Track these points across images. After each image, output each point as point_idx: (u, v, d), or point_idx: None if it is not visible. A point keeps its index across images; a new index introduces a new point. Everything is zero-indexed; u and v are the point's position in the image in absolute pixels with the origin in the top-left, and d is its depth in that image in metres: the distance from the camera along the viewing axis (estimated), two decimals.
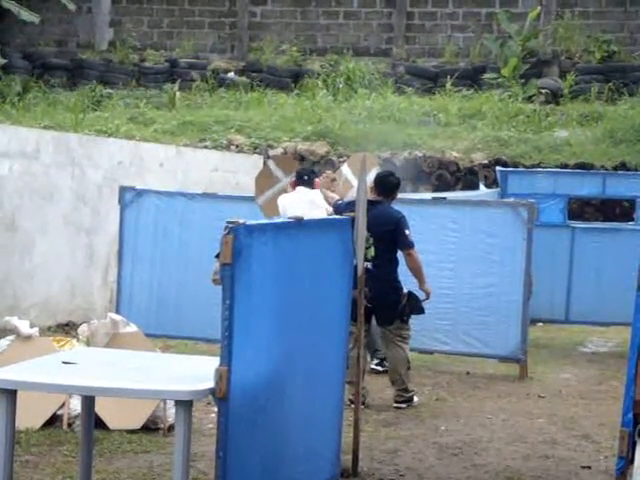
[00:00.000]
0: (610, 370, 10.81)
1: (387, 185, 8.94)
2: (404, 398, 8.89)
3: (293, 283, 5.67)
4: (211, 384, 4.99)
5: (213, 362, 5.68)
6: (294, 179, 10.16)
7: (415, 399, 8.98)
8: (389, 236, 8.62)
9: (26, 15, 18.72)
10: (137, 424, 7.64)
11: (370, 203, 7.68)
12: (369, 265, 7.97)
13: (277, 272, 5.47)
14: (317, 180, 10.21)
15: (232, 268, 5.02)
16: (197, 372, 5.37)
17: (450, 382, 10.01)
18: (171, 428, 7.75)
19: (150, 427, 7.71)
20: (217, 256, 5.10)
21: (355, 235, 6.50)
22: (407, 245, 8.72)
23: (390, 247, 8.67)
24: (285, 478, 5.77)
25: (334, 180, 10.38)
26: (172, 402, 7.60)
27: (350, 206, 7.96)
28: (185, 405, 5.01)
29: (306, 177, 10.08)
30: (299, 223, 5.78)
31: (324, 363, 6.18)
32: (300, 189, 9.97)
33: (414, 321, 10.52)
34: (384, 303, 8.68)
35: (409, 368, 8.95)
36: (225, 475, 5.07)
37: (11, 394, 4.98)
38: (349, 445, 6.85)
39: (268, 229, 5.43)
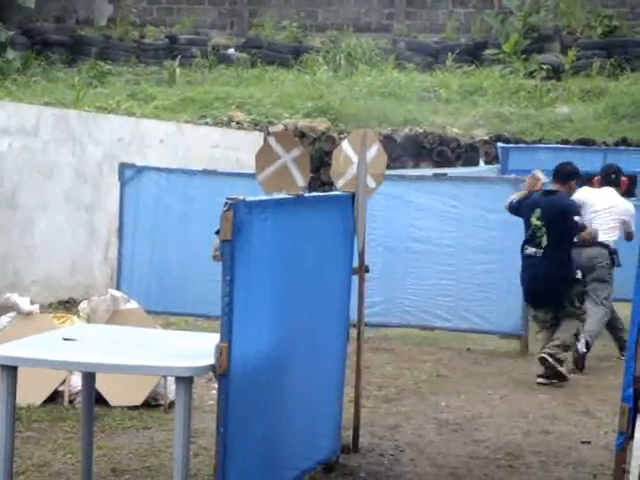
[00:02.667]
0: (611, 346, 10.79)
1: (563, 173, 9.40)
2: (554, 364, 8.94)
3: (293, 259, 5.66)
4: (211, 360, 5.00)
5: (214, 338, 5.69)
6: (599, 177, 10.33)
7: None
8: (560, 223, 9.04)
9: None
10: (138, 400, 7.66)
11: (545, 194, 9.02)
12: (537, 252, 8.96)
13: (277, 248, 5.47)
14: (623, 179, 10.35)
15: (232, 244, 5.01)
16: (198, 349, 5.37)
17: (451, 358, 10.02)
18: (172, 404, 7.75)
19: (151, 403, 7.73)
20: (217, 232, 5.08)
21: (356, 212, 6.48)
22: (577, 231, 9.22)
23: (562, 234, 9.07)
24: (286, 454, 5.79)
25: (539, 180, 9.90)
26: (173, 379, 7.64)
27: (521, 200, 9.27)
28: (185, 381, 5.02)
29: (613, 176, 10.27)
30: (299, 199, 5.77)
31: (325, 339, 6.18)
32: (606, 190, 10.18)
33: (415, 298, 10.60)
34: (552, 287, 9.02)
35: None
36: (225, 451, 5.07)
37: (12, 370, 4.99)
38: (349, 421, 6.85)
39: (268, 205, 5.42)
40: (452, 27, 22.30)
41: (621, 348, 9.98)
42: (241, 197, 5.15)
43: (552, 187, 9.31)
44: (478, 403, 8.36)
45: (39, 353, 5.06)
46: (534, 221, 9.08)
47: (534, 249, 9.09)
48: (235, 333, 5.02)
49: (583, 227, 9.28)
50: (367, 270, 6.94)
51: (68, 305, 12.05)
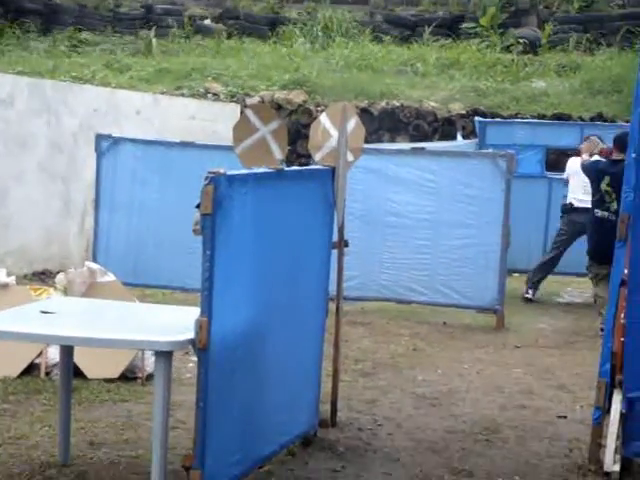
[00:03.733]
0: (585, 321, 10.87)
1: (627, 142, 9.51)
2: None
3: (274, 234, 5.64)
4: (191, 335, 4.99)
5: (193, 312, 5.67)
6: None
7: None
8: None
9: None
10: (115, 373, 7.63)
11: (613, 162, 9.72)
12: (610, 215, 9.57)
13: (257, 223, 5.45)
14: (581, 146, 11.48)
15: (213, 218, 4.99)
16: (177, 322, 5.37)
17: (428, 332, 10.03)
18: (149, 377, 7.75)
19: (128, 376, 7.71)
20: (198, 206, 5.05)
21: (336, 186, 6.46)
22: None
23: None
24: (264, 428, 5.79)
25: (597, 145, 11.23)
26: (150, 352, 7.63)
27: (591, 165, 10.37)
28: (165, 356, 5.01)
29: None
30: (280, 173, 5.75)
31: (304, 313, 6.17)
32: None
33: (392, 272, 10.60)
34: None
35: None
36: (205, 425, 5.07)
37: None
38: (327, 395, 6.85)
39: (249, 179, 5.39)
40: (429, 0, 22.24)
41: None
42: (222, 171, 5.11)
43: (615, 156, 9.86)
44: (455, 377, 8.38)
45: (17, 326, 5.03)
46: (604, 187, 9.78)
47: (606, 212, 9.79)
48: (215, 308, 5.01)
49: None
50: (346, 244, 6.93)
51: (43, 277, 11.97)
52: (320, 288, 6.39)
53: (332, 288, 6.64)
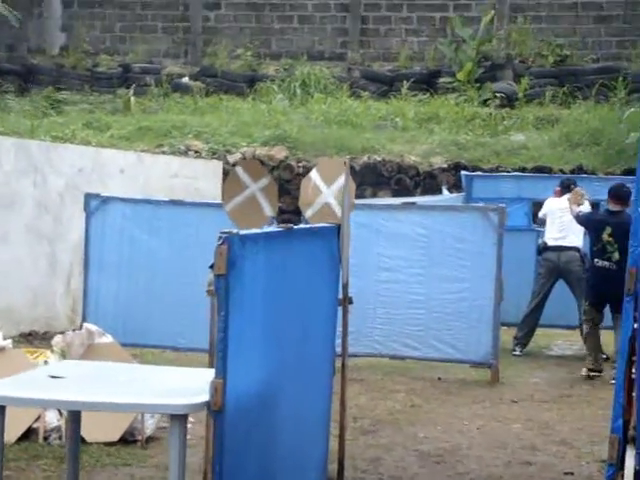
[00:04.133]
0: (579, 373, 10.85)
1: (622, 194, 10.42)
2: None
3: (283, 292, 5.59)
4: (206, 397, 4.90)
5: (203, 374, 5.61)
6: (559, 188, 12.03)
7: None
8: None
9: None
10: (115, 436, 7.51)
11: (612, 213, 10.35)
12: (610, 265, 10.20)
13: (268, 282, 5.40)
14: (558, 189, 12.09)
15: (226, 279, 4.93)
16: (189, 384, 5.28)
17: (423, 388, 9.97)
18: (149, 440, 7.65)
19: (127, 439, 7.59)
20: (211, 267, 4.99)
21: (341, 242, 6.43)
22: None
23: None
24: None
25: (583, 196, 11.53)
26: (149, 414, 7.52)
27: (589, 216, 10.95)
28: (181, 419, 4.91)
29: (573, 186, 11.79)
30: (288, 232, 5.71)
31: (313, 371, 6.11)
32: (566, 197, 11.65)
33: (385, 327, 10.56)
34: (622, 294, 9.73)
35: None
36: None
37: (0, 410, 4.86)
38: (333, 454, 6.77)
39: (260, 238, 5.35)
40: (406, 56, 22.43)
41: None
42: (234, 231, 5.07)
43: (613, 207, 10.47)
44: (455, 434, 8.32)
45: (29, 392, 4.92)
46: (606, 237, 10.32)
47: (606, 262, 10.32)
48: (229, 369, 4.94)
49: None
50: (351, 302, 6.88)
51: (30, 338, 11.83)
52: (327, 346, 6.34)
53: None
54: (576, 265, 11.57)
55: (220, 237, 4.99)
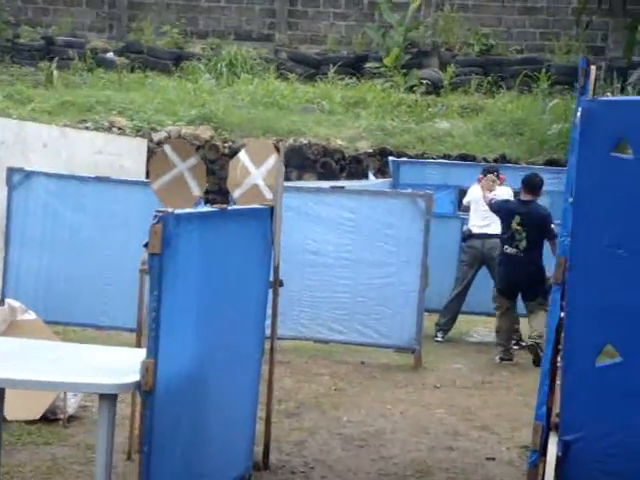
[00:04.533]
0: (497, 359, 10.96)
1: (534, 184, 10.77)
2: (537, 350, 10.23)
3: (216, 273, 5.55)
4: (136, 377, 4.84)
5: (132, 353, 5.54)
6: (482, 175, 12.05)
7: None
8: (539, 229, 10.46)
9: None
10: (36, 415, 7.40)
11: (523, 202, 10.60)
12: (518, 252, 10.47)
13: (202, 262, 5.35)
14: (481, 176, 11.99)
15: (160, 258, 4.87)
16: (118, 364, 5.21)
17: (347, 372, 9.98)
18: (70, 419, 7.55)
19: (49, 418, 7.48)
20: (146, 245, 4.92)
21: (274, 224, 6.40)
22: (553, 237, 10.10)
23: (538, 238, 10.48)
24: (203, 473, 5.66)
25: (494, 182, 11.86)
26: (71, 392, 7.41)
27: (501, 204, 11.04)
28: (110, 399, 4.84)
29: (496, 174, 12.03)
30: (223, 212, 5.66)
31: (242, 354, 6.08)
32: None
33: (311, 310, 10.56)
34: (529, 282, 10.51)
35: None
36: (149, 470, 4.92)
37: None
38: (258, 437, 6.74)
39: (195, 218, 5.29)
40: (333, 39, 22.40)
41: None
42: (170, 210, 5.00)
43: (524, 197, 10.69)
44: (379, 418, 8.35)
45: None
46: (514, 225, 10.55)
47: (514, 250, 10.58)
48: (161, 349, 4.88)
49: (555, 235, 9.99)
50: (281, 284, 6.85)
51: None
52: (257, 328, 6.31)
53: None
54: (499, 252, 11.65)
55: (155, 216, 4.93)
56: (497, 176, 12.03)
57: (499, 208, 11.11)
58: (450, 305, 12.06)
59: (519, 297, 10.89)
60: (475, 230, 11.89)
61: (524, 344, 11.18)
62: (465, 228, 12.21)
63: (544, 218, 10.58)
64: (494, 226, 11.61)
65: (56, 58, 21.24)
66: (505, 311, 10.95)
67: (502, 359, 10.87)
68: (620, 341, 5.51)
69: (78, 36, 22.64)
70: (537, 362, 9.97)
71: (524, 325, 11.10)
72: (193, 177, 10.22)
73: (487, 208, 11.59)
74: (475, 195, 12.12)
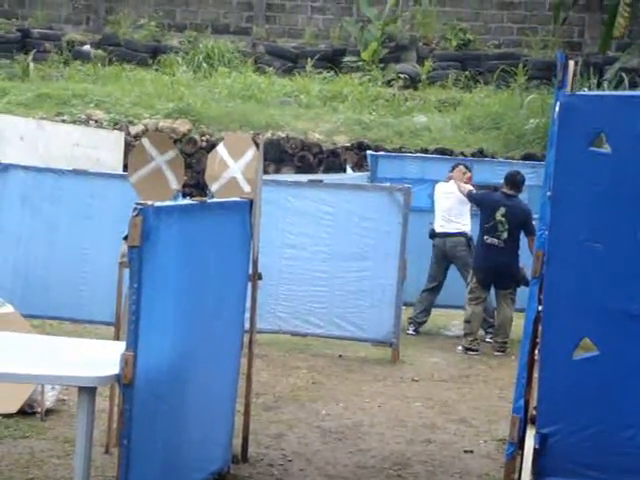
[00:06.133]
0: (476, 354, 11.00)
1: (517, 181, 11.13)
2: (504, 347, 11.00)
3: (196, 266, 5.55)
4: (116, 370, 4.85)
5: (111, 346, 5.54)
6: (453, 174, 11.94)
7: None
8: (520, 224, 10.81)
9: None
10: (13, 408, 7.37)
11: (506, 196, 10.94)
12: (499, 243, 10.82)
13: (182, 255, 5.36)
14: (450, 174, 12.00)
15: (140, 251, 4.88)
16: (97, 357, 5.22)
17: (325, 365, 9.98)
18: (48, 412, 7.53)
19: (26, 411, 7.45)
20: (126, 238, 4.93)
21: (253, 218, 6.40)
22: (533, 232, 10.24)
23: (518, 232, 10.86)
24: (183, 464, 5.67)
25: (465, 174, 11.94)
26: (49, 386, 7.39)
27: (484, 195, 11.40)
28: (89, 392, 4.85)
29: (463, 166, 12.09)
30: (203, 205, 5.66)
31: (222, 346, 6.08)
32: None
33: (288, 304, 10.56)
34: (506, 272, 10.90)
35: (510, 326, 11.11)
36: (129, 464, 4.93)
37: None
38: (237, 430, 6.74)
39: (175, 211, 5.30)
40: (311, 33, 22.38)
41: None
42: (149, 202, 5.00)
43: (508, 191, 11.02)
44: (357, 411, 8.37)
45: None
46: (499, 217, 10.85)
47: (495, 240, 10.89)
48: (141, 343, 4.89)
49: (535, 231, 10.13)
50: (260, 277, 6.85)
51: None
52: (236, 321, 6.31)
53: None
54: (461, 250, 11.72)
55: (135, 208, 4.93)
56: (469, 170, 12.10)
57: (483, 198, 11.34)
58: (422, 299, 12.06)
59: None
60: (438, 229, 11.88)
61: (490, 339, 11.40)
62: (430, 226, 12.12)
63: (526, 213, 10.89)
64: (454, 224, 11.67)
65: (33, 51, 21.13)
66: (481, 302, 11.13)
67: (467, 349, 11.00)
68: (597, 335, 5.55)
69: (54, 28, 22.54)
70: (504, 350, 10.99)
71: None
72: (171, 170, 10.20)
73: (447, 206, 11.76)
74: (437, 193, 12.07)
